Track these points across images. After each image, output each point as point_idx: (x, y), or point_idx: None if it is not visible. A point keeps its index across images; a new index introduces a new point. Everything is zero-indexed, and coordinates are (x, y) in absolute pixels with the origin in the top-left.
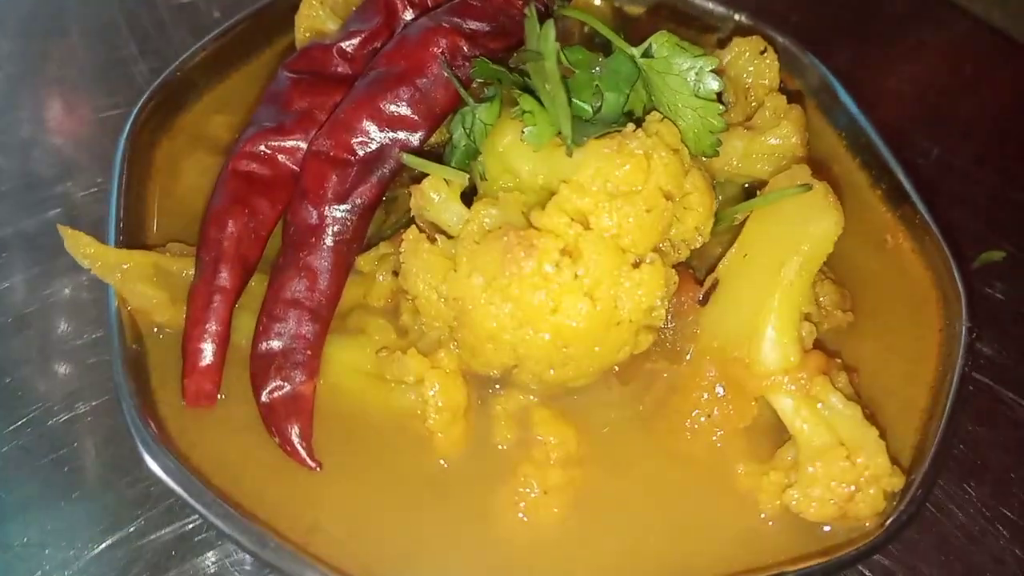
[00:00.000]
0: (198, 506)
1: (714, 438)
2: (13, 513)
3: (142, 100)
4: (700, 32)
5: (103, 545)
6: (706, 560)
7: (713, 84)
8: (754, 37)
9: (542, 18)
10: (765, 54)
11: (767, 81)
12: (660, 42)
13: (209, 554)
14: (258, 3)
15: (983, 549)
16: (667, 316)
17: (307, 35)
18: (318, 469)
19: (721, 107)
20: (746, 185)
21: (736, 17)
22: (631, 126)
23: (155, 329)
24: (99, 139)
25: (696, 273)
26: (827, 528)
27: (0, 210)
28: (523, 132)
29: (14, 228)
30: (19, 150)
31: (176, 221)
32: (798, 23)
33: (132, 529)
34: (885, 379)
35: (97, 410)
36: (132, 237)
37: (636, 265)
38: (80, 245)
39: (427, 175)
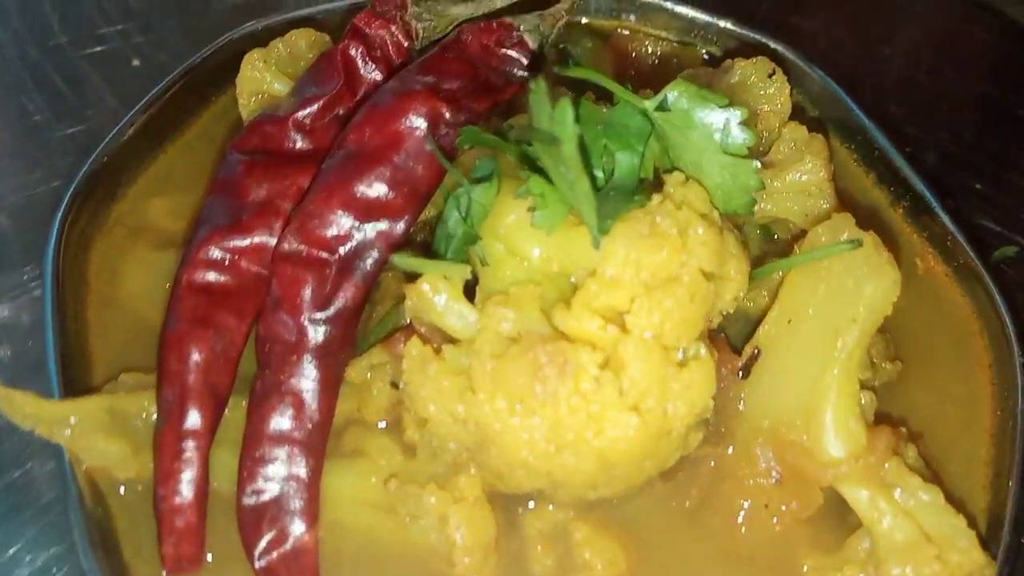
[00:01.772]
0: None
1: (774, 528)
2: None
3: (67, 198)
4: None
5: None
6: None
7: (742, 137)
8: (760, 58)
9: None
10: (774, 76)
11: (779, 106)
12: (678, 92)
13: None
14: (185, 59)
15: None
16: None
17: (252, 100)
18: None
19: (755, 163)
20: (765, 226)
21: (721, 24)
22: (658, 198)
23: (120, 488)
24: (21, 228)
25: (730, 339)
26: None
27: None
28: (532, 215)
29: None
30: None
31: (122, 337)
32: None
33: None
34: (942, 434)
35: None
36: (75, 371)
37: (683, 364)
38: (17, 405)
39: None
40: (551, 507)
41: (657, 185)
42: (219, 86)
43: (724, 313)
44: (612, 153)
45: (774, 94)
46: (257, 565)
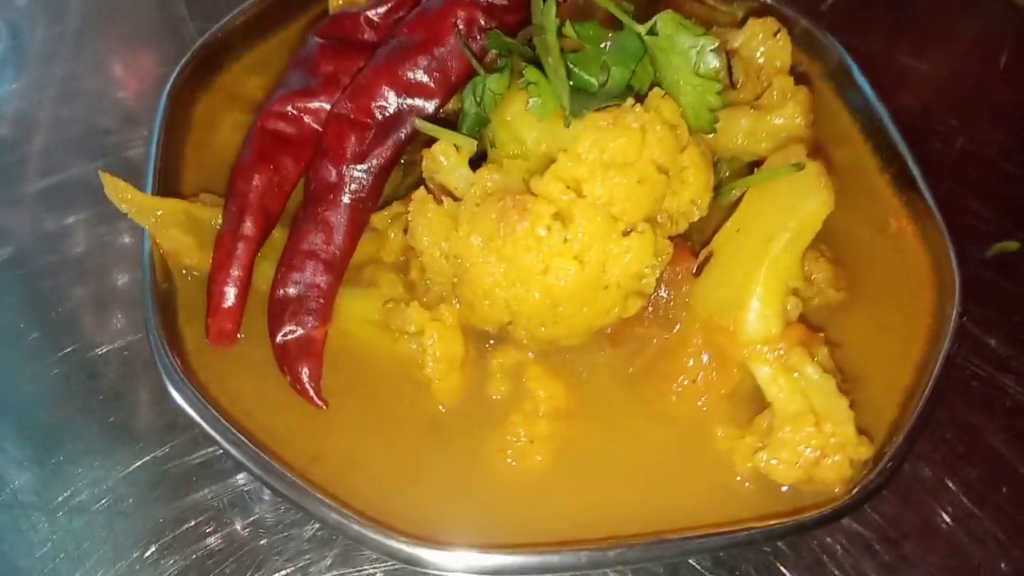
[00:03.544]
0: (214, 433)
1: (698, 403)
2: (50, 433)
3: (184, 59)
4: (714, 9)
5: (131, 467)
6: (680, 515)
7: (713, 62)
8: (768, 18)
9: None
10: (778, 35)
11: (779, 63)
12: (664, 20)
13: (229, 480)
14: None
15: (966, 530)
16: (662, 285)
17: (339, 2)
18: (324, 407)
19: (719, 85)
20: (751, 163)
21: None
22: (631, 101)
23: (184, 271)
24: (151, 94)
25: (694, 246)
26: (795, 491)
27: (62, 155)
28: (528, 103)
29: (75, 171)
30: (83, 100)
31: (209, 173)
32: (832, 7)
33: (159, 454)
34: (873, 358)
35: (133, 345)
36: (167, 186)
37: (626, 233)
38: (119, 191)
39: (438, 140)
40: (516, 353)
41: (644, 98)
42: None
43: (689, 219)
44: (609, 68)
45: (777, 50)
46: (276, 342)
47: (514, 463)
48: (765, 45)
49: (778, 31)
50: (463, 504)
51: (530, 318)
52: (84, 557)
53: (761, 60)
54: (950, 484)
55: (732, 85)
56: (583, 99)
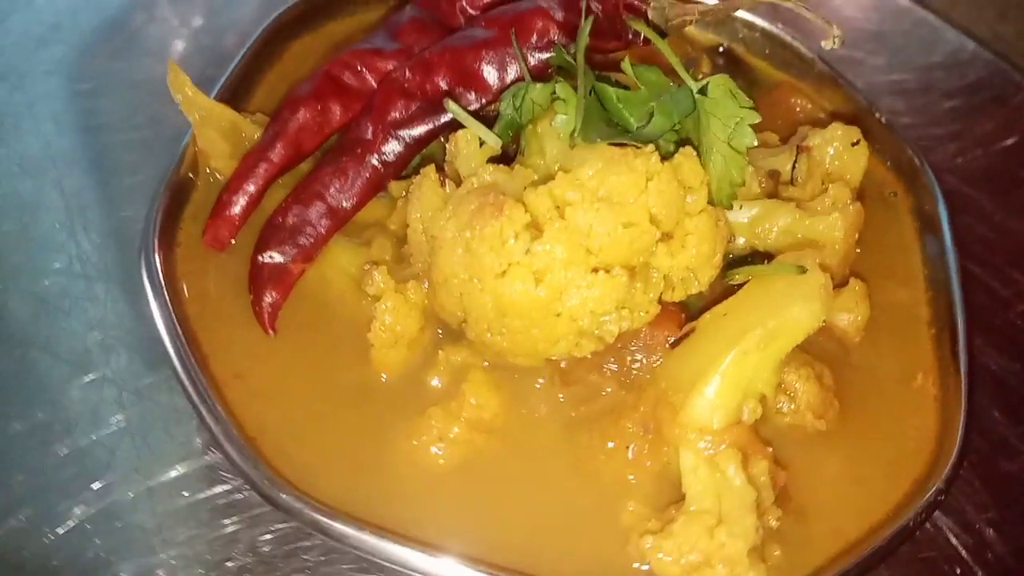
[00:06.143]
0: (157, 316)
1: (626, 472)
2: None
3: (272, 17)
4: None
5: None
6: (555, 568)
7: (747, 138)
8: (852, 127)
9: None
10: (856, 146)
11: (849, 175)
12: (716, 83)
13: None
14: None
15: None
16: (637, 346)
17: None
18: (271, 334)
19: (745, 162)
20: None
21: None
22: (651, 147)
23: (208, 171)
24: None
25: (685, 320)
26: None
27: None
28: (554, 120)
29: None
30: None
31: (276, 102)
32: (962, 161)
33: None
34: (831, 501)
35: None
36: (233, 97)
37: (595, 271)
38: (179, 82)
39: (465, 128)
40: (468, 355)
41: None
42: None
43: (688, 290)
44: (652, 115)
45: (849, 161)
46: (255, 260)
47: (416, 456)
48: (840, 151)
49: (857, 142)
50: (349, 470)
51: (479, 319)
52: None
53: (831, 166)
54: None
55: (791, 181)
56: (602, 129)
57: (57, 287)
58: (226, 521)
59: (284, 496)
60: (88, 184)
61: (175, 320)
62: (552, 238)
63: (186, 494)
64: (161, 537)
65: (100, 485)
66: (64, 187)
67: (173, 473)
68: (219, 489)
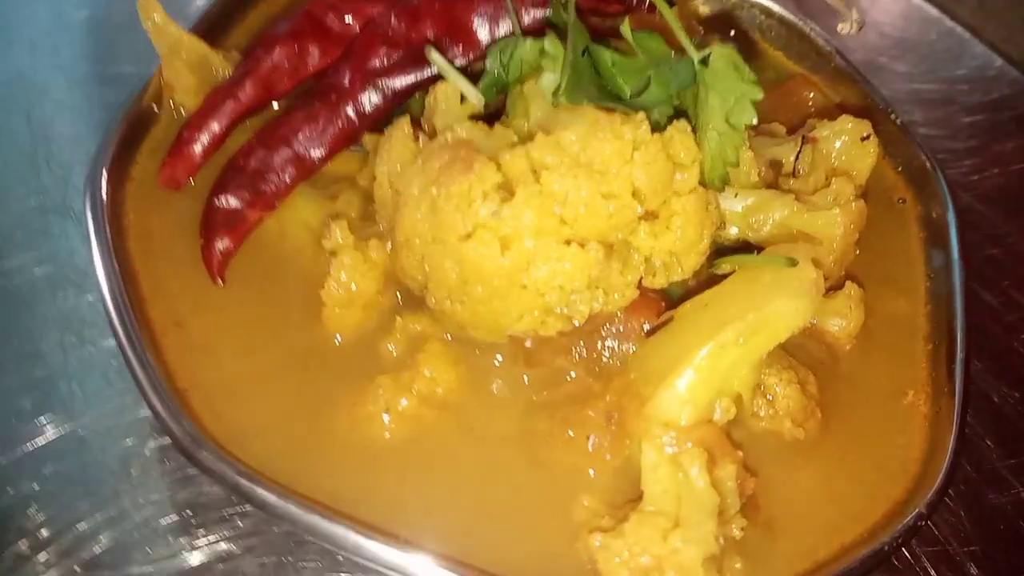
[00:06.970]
0: (95, 249)
1: (585, 464)
2: None
3: None
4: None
5: None
6: (498, 559)
7: (746, 115)
8: (863, 121)
9: None
10: (866, 141)
11: (855, 171)
12: (719, 54)
13: None
14: None
15: None
16: (611, 332)
17: None
18: (219, 283)
19: (743, 141)
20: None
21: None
22: (642, 115)
23: (173, 105)
24: None
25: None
26: None
27: None
28: (541, 78)
29: None
30: None
31: (255, 41)
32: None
33: None
34: (804, 516)
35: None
36: (208, 31)
37: (568, 243)
38: (148, 7)
39: (446, 81)
40: (428, 325)
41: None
42: None
43: (669, 276)
44: (649, 83)
45: (857, 157)
46: (209, 202)
47: (358, 426)
48: (848, 145)
49: (867, 136)
50: (284, 435)
51: (439, 284)
52: None
53: (837, 160)
54: None
55: (793, 173)
56: (595, 94)
57: (12, 219)
58: (157, 477)
59: (206, 455)
60: (57, 116)
61: (113, 256)
62: (523, 202)
63: (121, 445)
64: (85, 488)
65: (29, 427)
66: (32, 118)
67: (106, 423)
68: (153, 444)
